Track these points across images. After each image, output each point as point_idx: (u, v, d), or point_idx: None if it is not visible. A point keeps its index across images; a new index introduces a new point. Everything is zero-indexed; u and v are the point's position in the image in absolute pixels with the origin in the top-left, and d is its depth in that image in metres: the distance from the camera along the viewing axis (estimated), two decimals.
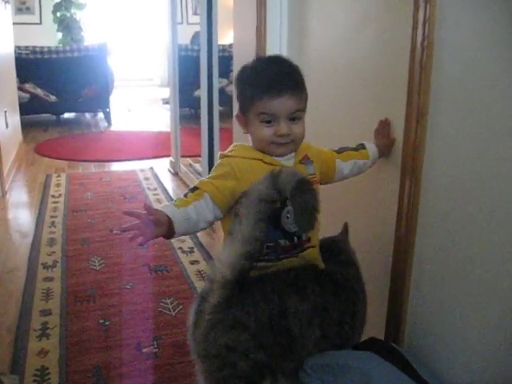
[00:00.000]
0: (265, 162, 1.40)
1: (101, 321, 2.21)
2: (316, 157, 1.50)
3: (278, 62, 1.46)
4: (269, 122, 1.37)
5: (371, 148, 1.65)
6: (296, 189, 1.21)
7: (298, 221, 1.26)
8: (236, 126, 3.05)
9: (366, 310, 1.53)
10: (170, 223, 1.29)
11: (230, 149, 1.46)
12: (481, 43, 1.29)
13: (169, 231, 1.30)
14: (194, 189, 1.36)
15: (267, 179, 1.23)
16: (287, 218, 1.38)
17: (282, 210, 1.38)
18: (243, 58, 2.83)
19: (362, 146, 1.65)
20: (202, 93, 3.87)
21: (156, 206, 3.63)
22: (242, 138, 1.51)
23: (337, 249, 1.59)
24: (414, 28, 1.45)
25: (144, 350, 2.02)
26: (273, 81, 1.37)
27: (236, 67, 3.00)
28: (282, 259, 1.41)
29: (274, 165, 1.39)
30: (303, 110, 1.42)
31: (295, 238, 1.41)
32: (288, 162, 1.43)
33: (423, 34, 1.42)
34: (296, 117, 1.39)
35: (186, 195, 1.36)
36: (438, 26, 1.40)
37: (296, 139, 1.41)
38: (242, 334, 1.26)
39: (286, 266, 1.41)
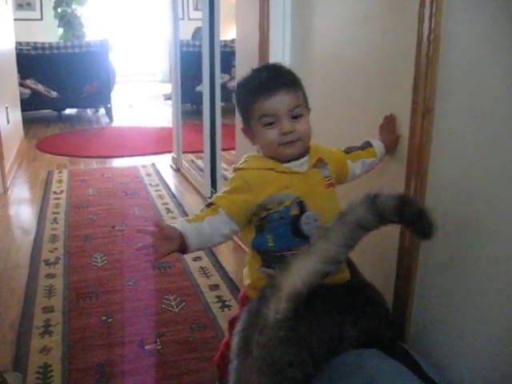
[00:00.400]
0: (277, 171, 1.39)
1: (103, 318, 2.21)
2: (329, 158, 1.49)
3: (271, 67, 1.50)
4: (271, 124, 1.37)
5: (378, 145, 1.63)
6: (400, 205, 1.19)
7: (416, 231, 1.25)
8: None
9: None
10: (181, 238, 1.30)
11: (241, 161, 1.46)
12: (488, 37, 1.27)
13: (181, 246, 1.31)
14: (210, 204, 1.38)
15: (365, 202, 1.20)
16: (307, 223, 1.38)
17: (301, 216, 1.38)
18: (246, 54, 2.82)
19: (368, 144, 1.63)
20: (204, 88, 3.85)
21: (158, 201, 3.63)
22: (246, 143, 1.51)
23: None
24: (420, 22, 1.43)
25: (147, 347, 2.01)
26: (266, 82, 1.38)
27: (239, 64, 2.99)
28: None
29: (287, 173, 1.39)
30: (304, 106, 1.41)
31: None
32: (301, 167, 1.41)
33: (429, 27, 1.40)
34: (297, 114, 1.38)
35: (201, 211, 1.38)
36: (445, 19, 1.39)
37: (302, 137, 1.39)
38: (304, 352, 1.23)
39: None
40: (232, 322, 1.57)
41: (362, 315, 1.35)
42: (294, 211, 1.37)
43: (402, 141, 1.60)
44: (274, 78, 1.39)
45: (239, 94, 1.48)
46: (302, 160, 1.42)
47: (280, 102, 1.35)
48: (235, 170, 1.45)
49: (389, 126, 1.65)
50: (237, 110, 1.49)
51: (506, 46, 1.22)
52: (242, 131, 1.48)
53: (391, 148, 1.65)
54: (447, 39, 1.39)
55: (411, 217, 1.21)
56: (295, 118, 1.37)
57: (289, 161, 1.40)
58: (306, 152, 1.43)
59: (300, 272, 1.20)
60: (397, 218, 1.21)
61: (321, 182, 1.45)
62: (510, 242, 1.24)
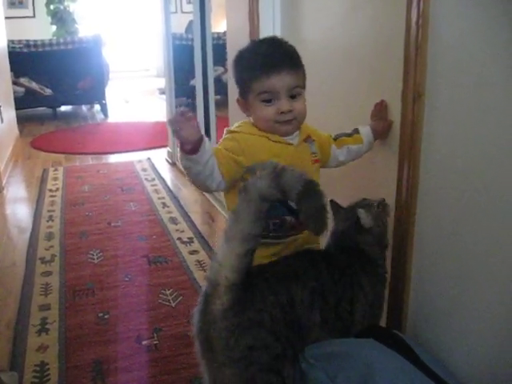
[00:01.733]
0: (270, 140, 1.41)
1: (100, 314, 2.19)
2: (316, 137, 1.53)
3: (273, 41, 1.47)
4: (269, 101, 1.38)
5: (365, 132, 1.63)
6: (303, 193, 1.17)
7: (309, 225, 1.23)
8: (232, 115, 3.03)
9: (372, 301, 1.45)
10: (200, 138, 1.26)
11: (236, 125, 1.47)
12: (476, 20, 1.26)
13: (195, 145, 1.26)
14: None
15: (269, 176, 1.18)
16: None
17: None
18: (237, 45, 2.78)
19: (355, 131, 1.64)
20: (197, 82, 3.84)
21: (154, 196, 3.59)
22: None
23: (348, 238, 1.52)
24: (409, 7, 1.42)
25: (144, 343, 2.00)
26: (269, 58, 1.37)
27: (230, 55, 2.97)
28: (289, 236, 1.43)
29: (281, 142, 1.41)
30: (302, 86, 1.43)
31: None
32: (293, 140, 1.45)
33: (418, 12, 1.39)
34: (296, 93, 1.40)
35: None
36: (433, 3, 1.37)
37: (298, 116, 1.41)
38: (259, 332, 1.24)
39: (293, 243, 1.44)
40: None
41: (308, 277, 1.34)
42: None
43: (394, 126, 1.60)
44: (277, 55, 1.38)
45: (238, 66, 1.47)
46: (294, 134, 1.45)
47: (281, 80, 1.36)
48: (229, 132, 1.45)
49: (380, 112, 1.64)
50: (233, 80, 1.48)
51: (495, 28, 1.21)
52: (237, 102, 1.48)
53: (383, 134, 1.64)
54: (436, 24, 1.38)
55: (309, 209, 1.19)
56: (293, 96, 1.39)
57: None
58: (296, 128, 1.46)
59: (226, 263, 1.22)
60: (295, 202, 1.20)
61: (308, 157, 1.48)
62: (504, 226, 1.23)
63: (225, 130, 1.47)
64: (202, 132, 1.28)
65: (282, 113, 1.38)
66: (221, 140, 1.44)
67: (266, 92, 1.37)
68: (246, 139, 1.40)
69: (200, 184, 1.38)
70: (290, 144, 1.44)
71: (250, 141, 1.40)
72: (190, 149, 1.26)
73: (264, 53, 1.40)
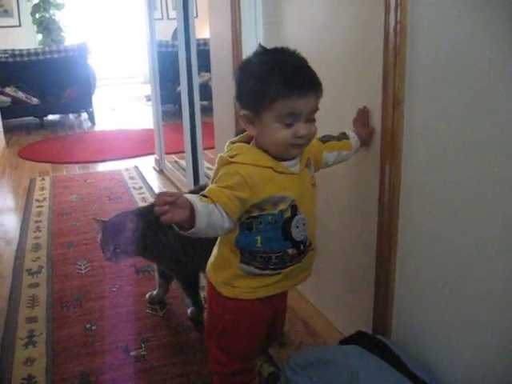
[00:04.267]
0: (276, 171, 1.30)
1: (87, 325, 2.18)
2: (311, 153, 1.43)
3: (292, 55, 1.31)
4: (290, 124, 1.25)
5: (353, 137, 1.61)
6: None
7: None
8: (218, 120, 3.03)
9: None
10: (192, 211, 1.16)
11: (232, 152, 1.31)
12: (455, 26, 1.27)
13: (190, 219, 1.16)
14: (203, 197, 1.22)
15: None
16: (297, 227, 1.34)
17: (292, 219, 1.33)
18: (220, 52, 2.80)
19: (344, 136, 1.60)
20: (182, 88, 3.83)
21: (141, 205, 3.56)
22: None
23: None
24: (387, 13, 1.43)
25: (132, 353, 1.99)
26: (297, 78, 1.24)
27: (214, 62, 2.98)
28: (288, 266, 1.38)
29: (286, 174, 1.31)
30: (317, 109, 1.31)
31: (301, 245, 1.38)
32: (295, 167, 1.34)
33: (395, 18, 1.40)
34: (313, 117, 1.29)
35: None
36: (411, 9, 1.38)
37: (310, 140, 1.31)
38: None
39: (291, 272, 1.39)
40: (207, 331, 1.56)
41: None
42: (287, 214, 1.32)
43: (375, 132, 1.60)
44: (304, 75, 1.26)
45: (251, 78, 1.28)
46: (295, 160, 1.34)
47: (307, 103, 1.24)
48: (226, 162, 1.29)
49: (362, 118, 1.64)
50: (238, 92, 1.32)
51: (473, 34, 1.22)
52: (242, 118, 1.32)
53: (366, 141, 1.64)
54: (414, 30, 1.38)
55: None
56: (309, 120, 1.28)
57: (284, 159, 1.32)
58: None
59: None
60: None
61: (309, 183, 1.40)
62: (488, 229, 1.24)
63: (218, 156, 1.33)
64: (187, 196, 1.17)
65: (299, 137, 1.26)
66: (219, 174, 1.29)
67: (289, 114, 1.24)
68: (250, 173, 1.26)
69: (214, 235, 1.33)
70: (294, 174, 1.33)
71: (255, 174, 1.27)
72: (187, 226, 1.18)
73: (290, 70, 1.25)
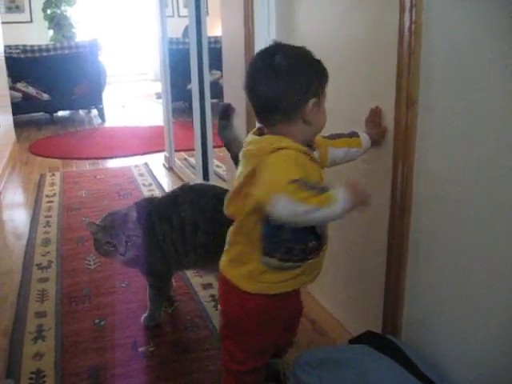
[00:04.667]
0: (312, 159, 1.33)
1: (96, 321, 2.19)
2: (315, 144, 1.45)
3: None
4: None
5: (364, 136, 1.60)
6: None
7: None
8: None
9: None
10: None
11: (270, 141, 1.29)
12: (469, 25, 1.26)
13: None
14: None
15: None
16: None
17: None
18: (232, 50, 2.80)
19: (355, 134, 1.59)
20: (193, 85, 3.84)
21: None
22: None
23: None
24: (402, 13, 1.42)
25: (140, 349, 1.99)
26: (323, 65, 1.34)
27: (225, 59, 2.97)
28: (309, 259, 1.39)
29: (315, 162, 1.35)
30: None
31: (321, 238, 1.40)
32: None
33: (410, 18, 1.39)
34: None
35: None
36: (426, 9, 1.37)
37: None
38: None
39: (310, 265, 1.40)
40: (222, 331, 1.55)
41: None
42: None
43: (388, 132, 1.59)
44: None
45: (310, 65, 1.32)
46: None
47: None
48: (274, 150, 1.25)
49: (374, 118, 1.64)
50: (307, 81, 1.30)
51: (488, 34, 1.21)
52: (314, 105, 1.30)
53: (377, 141, 1.63)
54: (429, 30, 1.38)
55: None
56: None
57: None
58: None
59: None
60: None
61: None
62: (500, 229, 1.23)
63: (255, 149, 1.32)
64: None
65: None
66: (278, 166, 1.24)
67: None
68: (299, 157, 1.27)
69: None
70: (318, 163, 1.38)
71: (302, 159, 1.28)
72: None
73: (318, 59, 1.34)
